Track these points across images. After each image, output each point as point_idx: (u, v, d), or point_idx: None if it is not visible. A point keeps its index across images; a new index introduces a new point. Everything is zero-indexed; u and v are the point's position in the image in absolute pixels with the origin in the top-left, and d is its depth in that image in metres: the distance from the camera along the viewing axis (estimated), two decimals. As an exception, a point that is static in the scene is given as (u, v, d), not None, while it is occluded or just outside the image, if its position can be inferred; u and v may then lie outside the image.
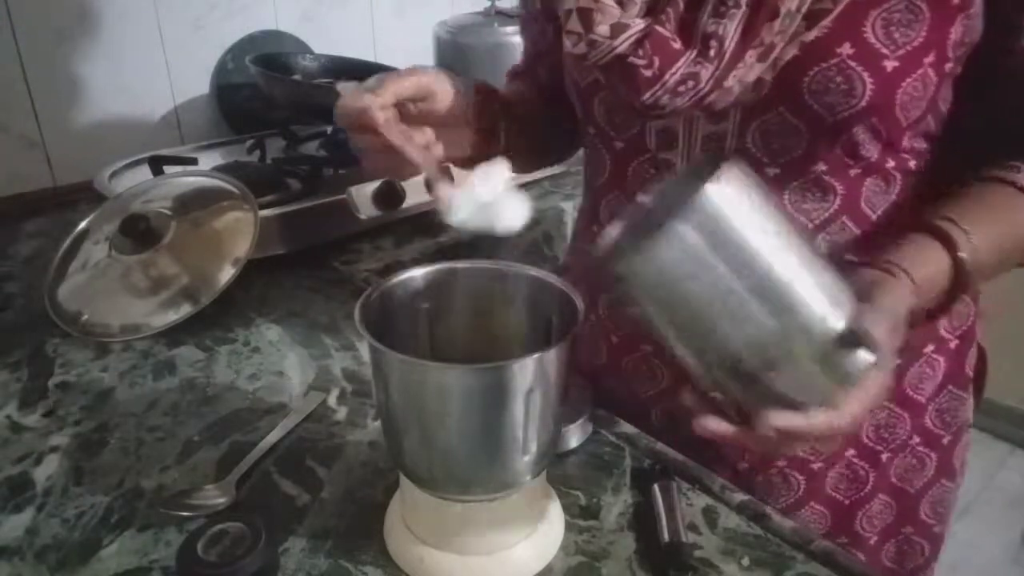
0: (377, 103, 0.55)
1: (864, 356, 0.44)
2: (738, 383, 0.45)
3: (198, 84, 1.33)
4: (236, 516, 0.54)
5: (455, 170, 0.65)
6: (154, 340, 0.83)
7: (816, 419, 0.45)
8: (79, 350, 0.81)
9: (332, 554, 0.56)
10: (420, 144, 0.58)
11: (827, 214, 0.59)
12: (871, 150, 0.57)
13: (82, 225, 0.95)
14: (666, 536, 0.55)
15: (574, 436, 0.66)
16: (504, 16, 1.35)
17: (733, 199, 0.41)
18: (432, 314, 0.56)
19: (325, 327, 0.86)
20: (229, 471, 0.62)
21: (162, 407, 0.72)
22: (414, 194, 1.12)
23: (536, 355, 0.47)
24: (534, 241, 1.17)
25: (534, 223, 1.16)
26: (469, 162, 0.64)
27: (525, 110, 0.73)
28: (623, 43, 0.53)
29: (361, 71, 1.31)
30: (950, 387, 0.68)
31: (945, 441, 0.69)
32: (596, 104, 0.65)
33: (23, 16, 1.13)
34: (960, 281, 0.53)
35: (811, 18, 0.51)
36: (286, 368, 0.78)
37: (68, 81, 1.20)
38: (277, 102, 1.24)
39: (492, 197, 0.54)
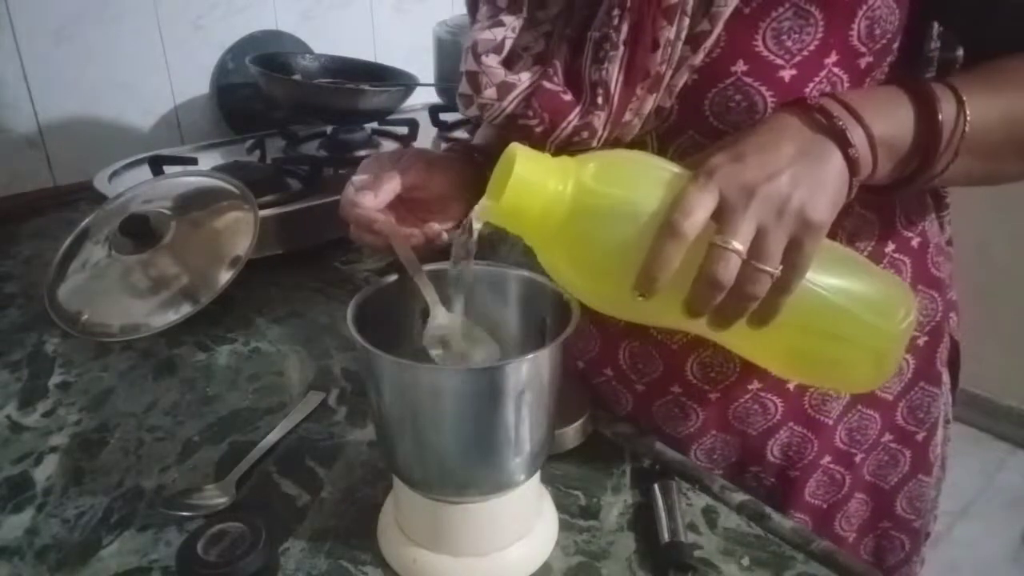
0: (375, 205, 0.57)
1: None
2: None
3: (198, 84, 1.33)
4: (236, 516, 0.54)
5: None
6: (154, 340, 0.83)
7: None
8: (79, 350, 0.81)
9: (332, 554, 0.56)
10: (407, 234, 0.59)
11: None
12: None
13: (82, 225, 0.95)
14: (666, 536, 0.55)
15: (574, 436, 0.66)
16: (504, 16, 1.34)
17: None
18: (427, 315, 0.56)
19: (325, 327, 0.86)
20: (229, 471, 0.62)
21: (162, 407, 0.72)
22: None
23: (529, 356, 0.47)
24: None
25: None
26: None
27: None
28: (511, 104, 0.53)
29: (361, 71, 1.31)
30: (921, 384, 0.67)
31: (919, 437, 0.69)
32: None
33: (23, 16, 1.13)
34: (931, 145, 0.48)
35: (693, 42, 0.50)
36: (286, 368, 0.78)
37: (68, 81, 1.20)
38: (277, 102, 1.24)
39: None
